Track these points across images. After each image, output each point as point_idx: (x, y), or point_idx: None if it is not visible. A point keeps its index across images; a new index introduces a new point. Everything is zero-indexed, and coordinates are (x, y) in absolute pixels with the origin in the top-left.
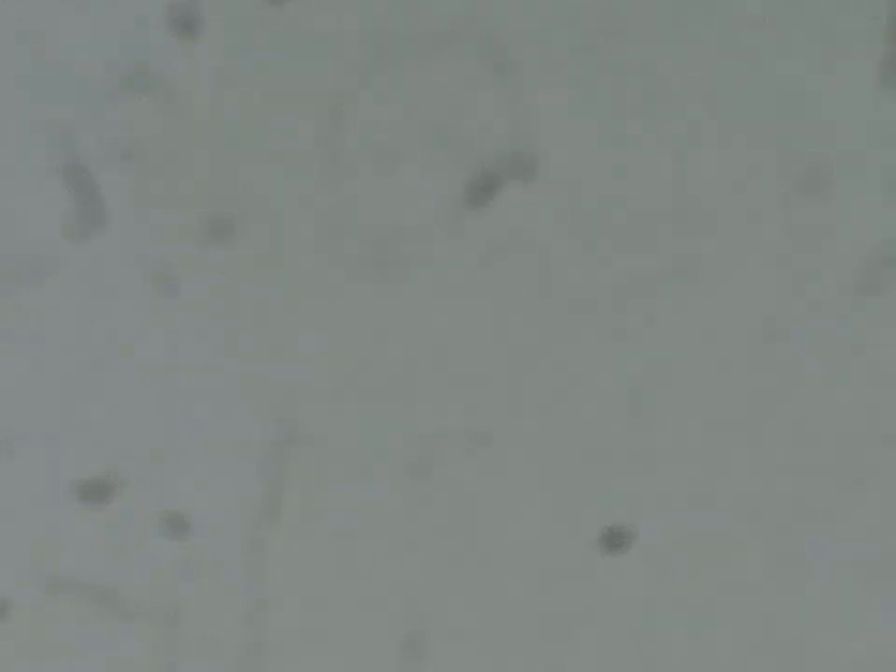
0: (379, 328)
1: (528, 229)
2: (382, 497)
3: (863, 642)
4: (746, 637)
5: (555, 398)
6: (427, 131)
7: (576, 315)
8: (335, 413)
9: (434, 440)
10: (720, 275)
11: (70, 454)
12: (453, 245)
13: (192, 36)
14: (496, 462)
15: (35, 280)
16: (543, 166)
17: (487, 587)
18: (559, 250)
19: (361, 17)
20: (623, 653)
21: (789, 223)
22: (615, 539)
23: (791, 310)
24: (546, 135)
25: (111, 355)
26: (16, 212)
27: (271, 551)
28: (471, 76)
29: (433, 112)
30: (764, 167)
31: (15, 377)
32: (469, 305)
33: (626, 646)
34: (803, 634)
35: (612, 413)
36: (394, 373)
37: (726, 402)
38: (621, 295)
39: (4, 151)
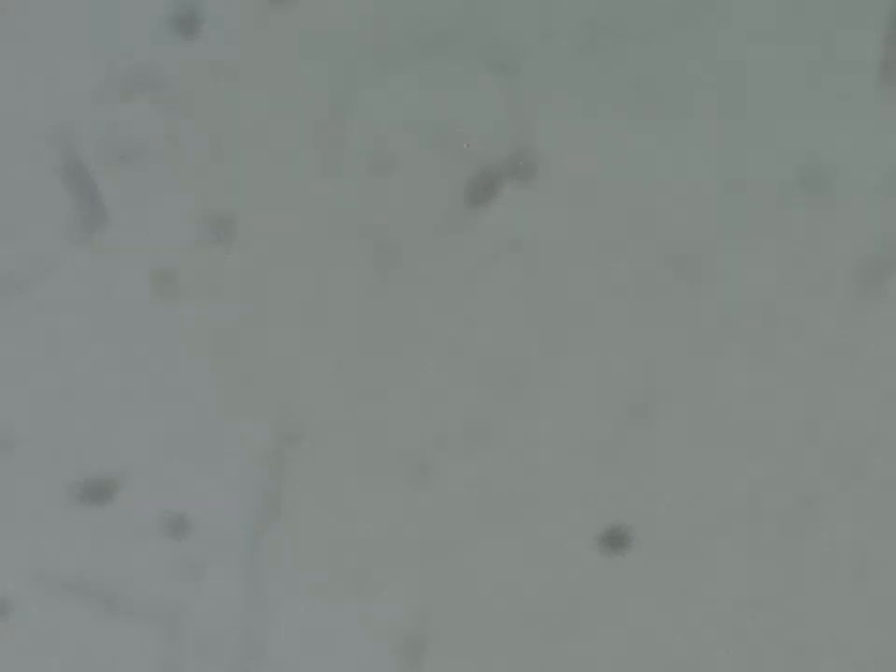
0: (379, 327)
1: (528, 229)
2: (382, 497)
3: (864, 641)
4: (746, 636)
5: (556, 397)
6: (427, 131)
7: (576, 314)
8: (335, 413)
9: (434, 439)
10: (720, 275)
11: (70, 454)
12: (453, 244)
13: (192, 36)
14: (496, 462)
15: (36, 280)
16: (543, 166)
17: (487, 588)
18: (559, 250)
19: (362, 17)
20: (623, 653)
21: (789, 223)
22: (615, 539)
23: (790, 310)
24: (546, 135)
25: (111, 355)
26: (16, 212)
27: (271, 551)
28: (471, 76)
29: (433, 112)
30: (764, 167)
31: (15, 377)
32: (469, 305)
33: (626, 646)
34: (803, 633)
35: (613, 413)
36: (394, 373)
37: (726, 402)
38: (621, 295)
39: (4, 151)
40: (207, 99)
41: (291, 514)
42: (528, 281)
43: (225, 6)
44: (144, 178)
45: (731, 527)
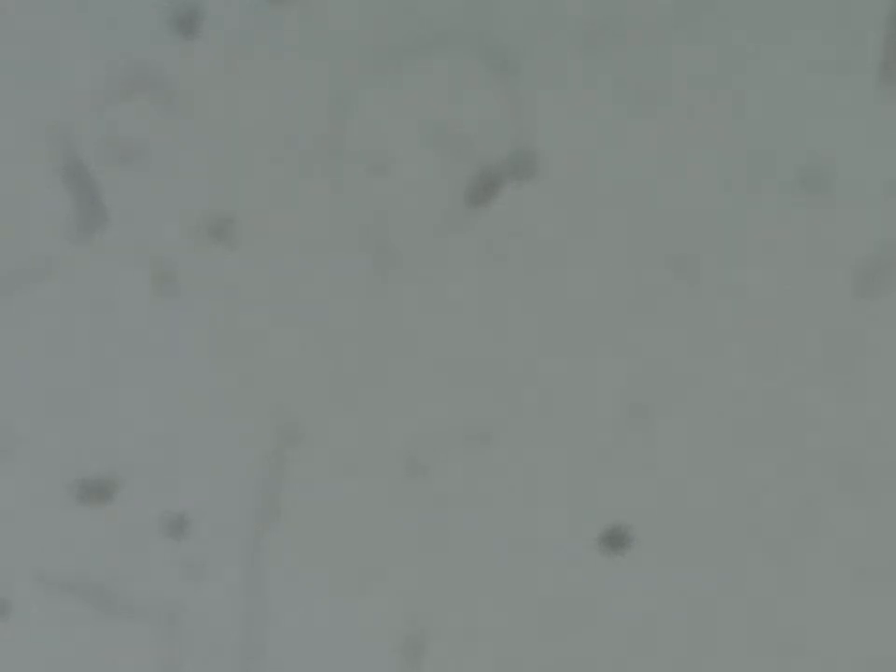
0: (379, 327)
1: (528, 228)
2: (382, 497)
3: (863, 642)
4: (746, 636)
5: (555, 397)
6: (427, 131)
7: (576, 314)
8: (335, 413)
9: (434, 439)
10: (720, 275)
11: (70, 454)
12: (453, 244)
13: (192, 36)
14: (496, 462)
15: (35, 280)
16: (543, 166)
17: (487, 588)
18: (559, 250)
19: (361, 17)
20: (623, 653)
21: (789, 223)
22: (615, 539)
23: (790, 310)
24: (546, 135)
25: (111, 354)
26: (16, 212)
27: (271, 551)
28: (471, 76)
29: (433, 112)
30: (764, 167)
31: (15, 377)
32: (470, 305)
33: (626, 646)
34: (802, 633)
35: (612, 413)
36: (394, 373)
37: (726, 402)
38: (620, 294)
39: (4, 151)
40: (207, 99)
41: (291, 514)
42: (528, 281)
43: (225, 6)
44: (144, 178)
45: (731, 527)
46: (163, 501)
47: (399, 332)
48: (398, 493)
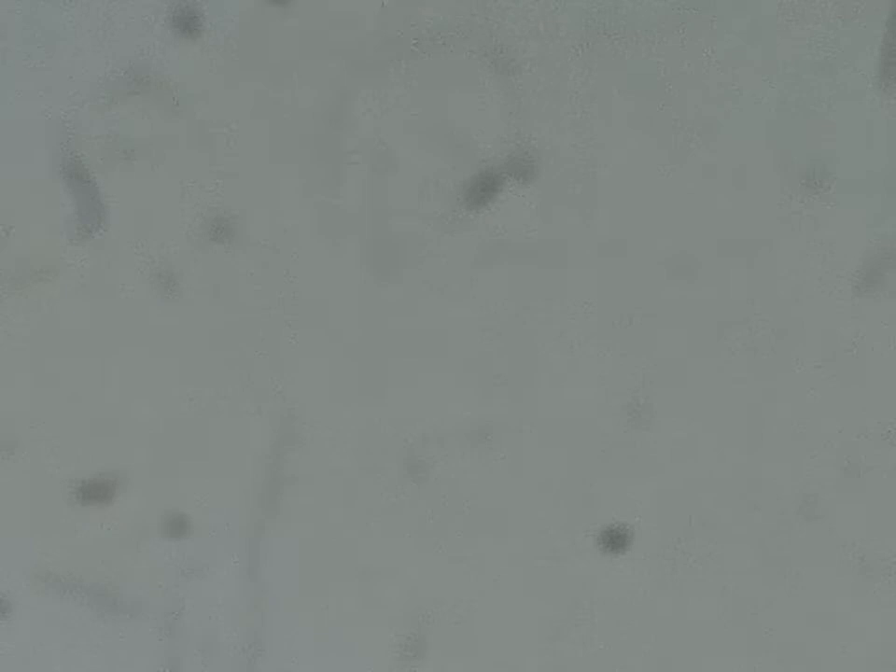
0: (379, 327)
1: (528, 228)
2: (382, 497)
3: (862, 642)
4: (745, 636)
5: (555, 397)
6: (427, 131)
7: (575, 314)
8: (334, 414)
9: (433, 439)
10: (720, 275)
11: (70, 454)
12: (453, 244)
13: (192, 36)
14: (495, 461)
15: (36, 280)
16: (543, 166)
17: (487, 587)
18: (559, 250)
19: (361, 17)
20: (623, 653)
21: (789, 223)
22: (615, 539)
23: (790, 309)
24: (546, 135)
25: (111, 354)
26: (16, 212)
27: (271, 551)
28: (471, 76)
29: (433, 112)
30: (764, 167)
31: (15, 377)
32: (469, 305)
33: (626, 646)
34: (802, 633)
35: (612, 413)
36: (393, 373)
37: (725, 401)
38: (620, 294)
39: (4, 151)
40: (207, 99)
41: (291, 514)
42: (528, 281)
43: (225, 6)
44: (144, 178)
45: (731, 527)
46: (163, 501)
47: (399, 332)
48: (397, 492)
